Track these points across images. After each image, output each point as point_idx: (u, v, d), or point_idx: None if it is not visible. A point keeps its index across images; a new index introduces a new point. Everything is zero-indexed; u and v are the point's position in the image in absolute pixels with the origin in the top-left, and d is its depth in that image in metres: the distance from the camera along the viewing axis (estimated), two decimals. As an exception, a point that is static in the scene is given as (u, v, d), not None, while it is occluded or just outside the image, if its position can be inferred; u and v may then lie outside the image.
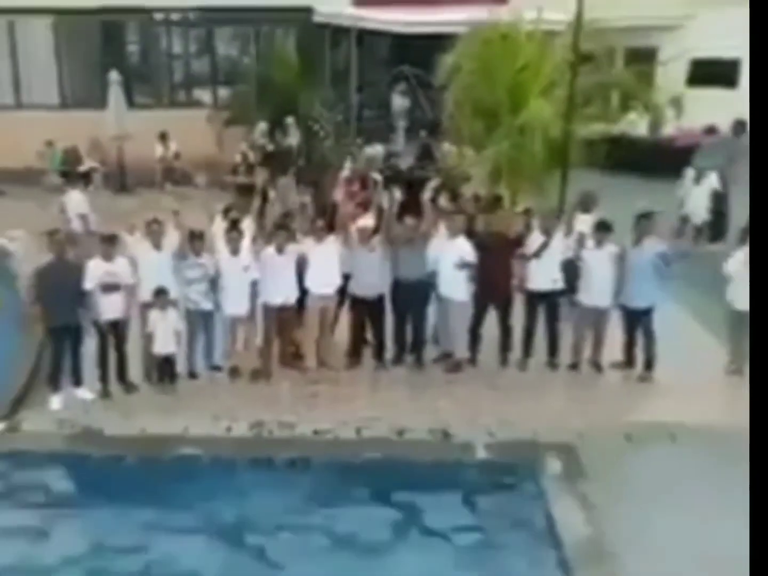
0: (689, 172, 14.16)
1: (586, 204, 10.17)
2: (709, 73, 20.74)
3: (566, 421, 8.46)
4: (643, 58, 20.77)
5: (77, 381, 9.01)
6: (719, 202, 13.55)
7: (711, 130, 18.25)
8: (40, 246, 10.52)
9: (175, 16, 19.23)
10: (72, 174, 14.91)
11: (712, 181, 13.70)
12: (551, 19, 12.80)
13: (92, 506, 7.74)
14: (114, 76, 17.47)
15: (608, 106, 14.12)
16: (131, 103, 18.17)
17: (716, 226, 13.38)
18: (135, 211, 12.98)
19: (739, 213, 12.44)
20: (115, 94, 17.49)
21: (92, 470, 8.10)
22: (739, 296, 9.26)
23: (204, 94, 19.91)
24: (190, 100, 19.88)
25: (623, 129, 18.52)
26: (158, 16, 19.15)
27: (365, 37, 18.16)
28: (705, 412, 8.70)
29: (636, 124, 18.59)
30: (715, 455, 7.91)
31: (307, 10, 18.57)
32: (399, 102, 17.46)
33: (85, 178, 16.53)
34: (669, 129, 18.82)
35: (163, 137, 17.44)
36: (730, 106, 19.85)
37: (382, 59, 18.29)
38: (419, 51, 16.28)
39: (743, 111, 19.62)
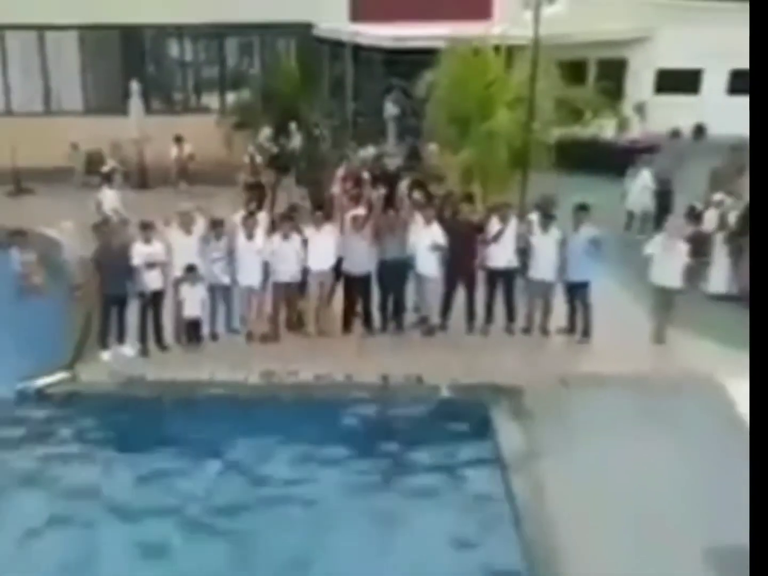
0: (630, 171, 16.32)
1: (545, 206, 12.27)
2: (675, 81, 23.02)
3: (517, 372, 10.73)
4: (614, 68, 23.29)
5: (121, 340, 11.30)
6: (662, 197, 15.74)
7: (675, 134, 20.49)
8: (83, 235, 12.96)
9: (187, 31, 21.54)
10: (104, 174, 17.06)
11: (645, 178, 15.83)
12: (516, 35, 15.02)
13: (138, 435, 10.01)
14: (134, 86, 19.80)
15: (572, 115, 16.42)
16: (148, 109, 20.49)
17: (660, 218, 15.57)
18: (154, 205, 15.22)
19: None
20: (136, 102, 19.83)
21: (137, 408, 10.39)
22: (658, 274, 11.56)
23: (213, 101, 22.21)
24: (200, 106, 22.18)
25: (594, 133, 20.94)
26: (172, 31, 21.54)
27: (360, 50, 20.46)
28: (630, 366, 10.95)
29: (604, 129, 21.00)
30: (634, 397, 10.19)
31: (308, 26, 20.89)
32: (390, 109, 19.78)
33: (107, 178, 18.97)
34: (634, 132, 21.21)
35: (178, 140, 19.71)
36: (693, 111, 22.26)
37: (375, 71, 20.55)
38: (407, 64, 18.59)
39: (705, 116, 22.09)
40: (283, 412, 10.10)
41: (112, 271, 11.06)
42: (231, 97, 21.80)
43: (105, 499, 8.78)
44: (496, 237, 11.53)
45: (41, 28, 20.48)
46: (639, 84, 23.15)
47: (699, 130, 21.89)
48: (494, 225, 11.62)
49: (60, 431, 10.08)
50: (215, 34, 21.57)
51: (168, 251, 11.25)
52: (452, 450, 9.41)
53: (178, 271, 11.26)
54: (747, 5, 24.03)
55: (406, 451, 9.38)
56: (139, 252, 11.00)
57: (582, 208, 11.51)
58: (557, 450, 9.03)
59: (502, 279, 11.73)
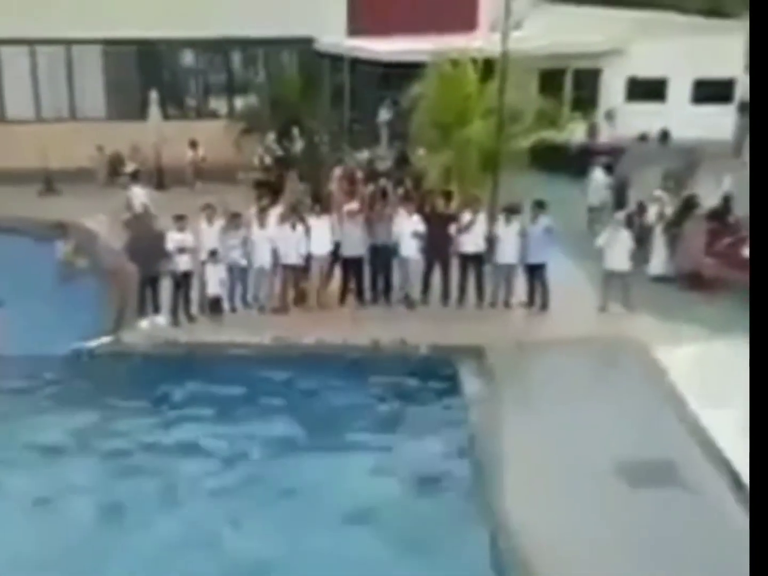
0: (590, 171, 18.82)
1: (511, 210, 14.68)
2: (644, 90, 25.54)
3: (481, 337, 13.23)
4: (589, 77, 25.83)
5: (156, 311, 13.83)
6: (618, 193, 18.22)
7: (643, 138, 23.05)
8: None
9: (199, 44, 24.07)
10: (133, 174, 19.58)
11: (599, 176, 18.30)
12: (491, 49, 17.47)
13: (170, 385, 12.47)
14: (153, 95, 22.38)
15: (548, 120, 18.95)
16: (164, 115, 23.01)
17: (616, 211, 18.03)
18: (173, 203, 17.68)
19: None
20: (154, 109, 22.39)
21: (169, 364, 12.92)
22: (609, 260, 14.07)
23: (222, 107, 24.73)
24: (211, 112, 24.68)
25: (566, 137, 23.45)
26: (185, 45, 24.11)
27: (357, 63, 23.00)
28: (578, 332, 13.43)
29: (575, 133, 23.51)
30: (578, 355, 12.70)
31: (309, 41, 23.43)
32: (382, 117, 22.29)
33: (135, 177, 21.54)
34: (604, 137, 23.73)
35: (193, 144, 22.22)
36: (660, 117, 24.75)
37: (370, 82, 23.08)
38: (399, 75, 21.14)
39: (670, 122, 24.55)
40: (290, 367, 12.61)
41: (147, 255, 13.61)
42: (238, 104, 24.32)
43: (145, 434, 11.28)
44: (467, 227, 14.07)
45: (68, 43, 22.99)
46: (611, 92, 25.67)
47: (664, 135, 24.33)
48: (465, 217, 14.16)
49: (106, 383, 12.60)
50: (224, 47, 24.10)
51: (196, 239, 13.79)
52: (427, 393, 11.96)
53: (203, 255, 13.79)
54: (710, 20, 26.78)
55: (392, 394, 11.92)
56: (173, 239, 13.55)
57: (538, 204, 14.06)
58: (508, 393, 11.55)
59: (472, 262, 14.27)
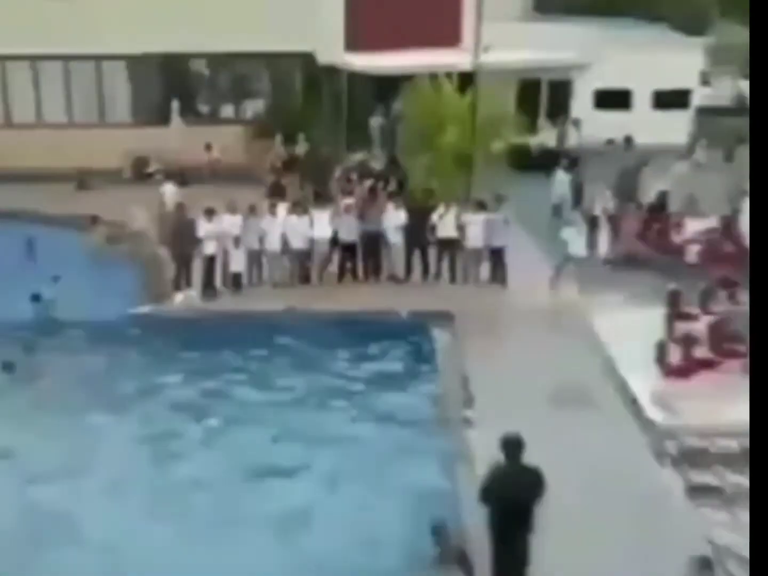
0: (554, 172, 22.25)
1: (478, 204, 18.16)
2: (610, 99, 28.99)
3: (452, 305, 16.68)
4: (562, 88, 29.30)
5: (189, 285, 17.30)
6: (577, 191, 21.65)
7: (610, 142, 26.52)
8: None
9: (213, 58, 27.55)
10: (165, 173, 23.04)
11: (560, 176, 21.72)
12: (471, 63, 20.95)
13: (201, 342, 15.92)
14: (175, 104, 25.92)
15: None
16: (184, 122, 26.51)
17: (575, 206, 21.46)
18: (193, 197, 21.03)
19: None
20: (176, 116, 25.91)
21: (199, 326, 16.38)
22: (572, 248, 17.48)
23: (235, 115, 28.20)
24: (224, 118, 28.15)
25: (540, 141, 27.00)
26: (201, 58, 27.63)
27: (353, 75, 26.44)
28: (538, 300, 16.88)
29: (547, 138, 27.06)
30: (530, 319, 16.15)
31: (311, 55, 26.86)
32: (375, 123, 25.77)
33: (151, 177, 25.10)
34: (572, 141, 27.18)
35: (209, 147, 25.73)
36: (625, 124, 28.18)
37: (364, 92, 26.55)
38: (389, 87, 24.71)
39: (634, 128, 27.90)
40: (297, 329, 16.07)
41: (182, 241, 17.10)
42: (248, 111, 27.81)
43: (182, 374, 14.80)
44: (441, 217, 17.55)
45: (98, 58, 26.47)
46: (581, 101, 29.16)
47: (627, 140, 27.79)
48: (441, 209, 17.64)
49: (152, 340, 16.09)
50: (235, 60, 27.57)
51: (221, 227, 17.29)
52: (407, 348, 15.47)
53: (227, 240, 17.27)
54: (668, 37, 30.13)
55: (381, 347, 15.45)
56: (204, 227, 17.03)
57: (498, 199, 17.55)
58: (468, 345, 15.03)
59: (447, 246, 17.74)
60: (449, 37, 27.96)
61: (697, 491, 11.63)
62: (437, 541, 9.38)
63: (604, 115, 28.54)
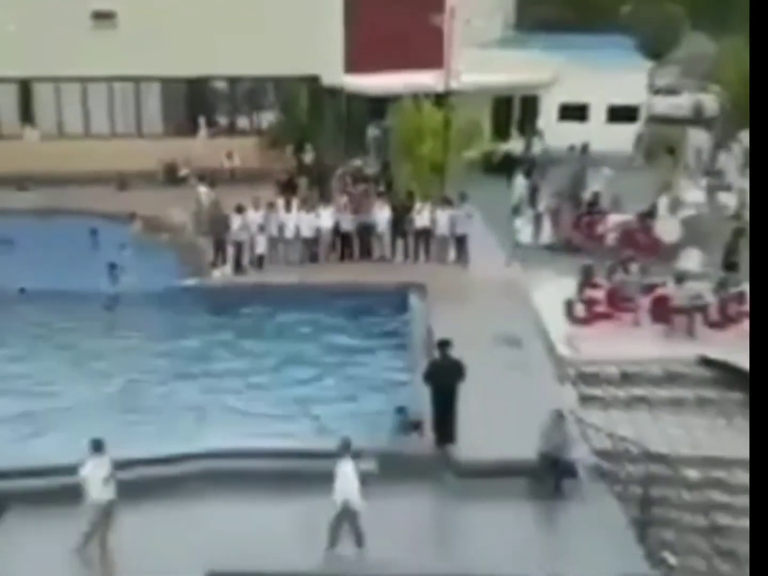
0: (514, 175, 27.89)
1: (446, 203, 23.83)
2: (571, 112, 34.72)
3: (425, 279, 22.31)
4: (531, 103, 35.00)
5: (223, 264, 22.98)
6: (532, 191, 27.25)
7: (572, 149, 32.16)
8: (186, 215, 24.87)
9: (231, 80, 33.28)
10: (200, 176, 28.67)
11: (518, 179, 27.31)
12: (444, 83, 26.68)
13: (232, 305, 21.60)
14: (201, 118, 31.66)
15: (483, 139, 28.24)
16: (208, 133, 32.25)
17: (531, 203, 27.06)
18: (220, 196, 26.64)
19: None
20: (202, 129, 31.67)
21: (231, 294, 22.06)
22: (521, 237, 23.16)
23: (250, 127, 33.91)
24: (241, 130, 33.86)
25: (509, 148, 32.72)
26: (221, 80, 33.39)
27: (352, 94, 32.14)
28: (492, 275, 22.49)
29: (515, 146, 32.78)
30: (484, 288, 21.79)
31: (316, 77, 32.54)
32: (370, 134, 31.47)
33: (182, 180, 30.83)
34: (536, 149, 32.87)
35: (229, 155, 31.43)
36: (584, 133, 33.85)
37: (361, 108, 32.28)
38: (382, 103, 30.45)
39: (591, 137, 33.45)
40: (309, 295, 21.74)
41: (218, 230, 22.80)
42: (262, 124, 33.54)
43: (221, 325, 20.51)
44: (419, 212, 23.21)
45: (136, 80, 32.22)
46: (547, 114, 34.89)
47: (584, 148, 33.44)
48: (418, 206, 23.30)
49: (196, 306, 21.76)
50: (251, 81, 33.29)
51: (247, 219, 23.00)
52: (390, 308, 21.16)
53: (254, 229, 22.94)
54: (623, 59, 35.64)
55: (369, 309, 21.11)
56: (235, 220, 22.71)
57: (462, 197, 23.20)
58: (435, 306, 20.65)
59: (422, 235, 23.39)
60: (433, 61, 33.66)
61: (586, 400, 17.24)
62: (399, 415, 15.05)
63: (566, 126, 34.36)
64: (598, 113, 34.83)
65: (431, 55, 33.32)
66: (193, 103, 33.41)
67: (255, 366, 18.43)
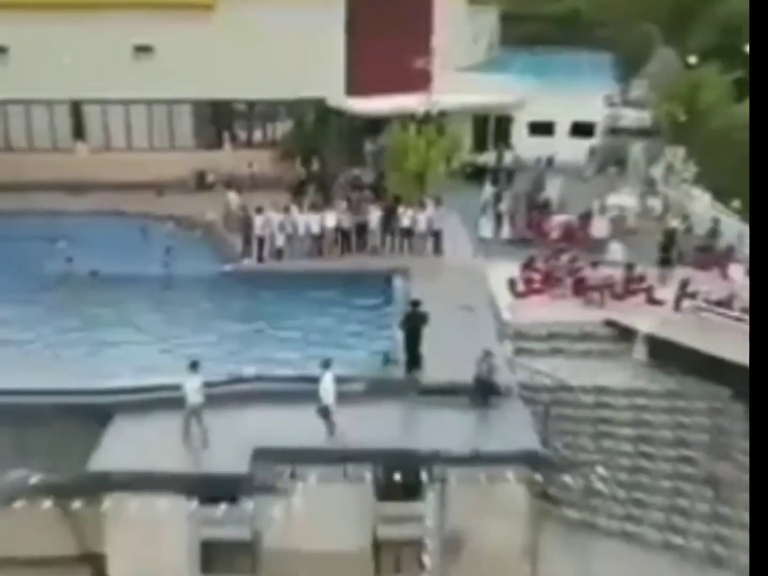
0: (484, 183, 35.15)
1: (423, 206, 31.08)
2: (539, 129, 41.97)
3: (408, 264, 29.54)
4: (504, 121, 42.28)
5: (250, 256, 30.27)
6: (497, 196, 34.43)
7: (539, 161, 39.48)
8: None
9: (249, 102, 40.64)
10: (228, 184, 35.99)
11: (487, 186, 34.52)
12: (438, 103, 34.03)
13: (257, 285, 28.91)
14: (226, 134, 39.05)
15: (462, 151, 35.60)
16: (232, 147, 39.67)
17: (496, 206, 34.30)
18: (244, 200, 33.89)
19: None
20: (226, 143, 39.05)
21: (255, 278, 29.38)
22: (483, 232, 30.46)
23: (266, 141, 41.25)
24: (257, 143, 41.18)
25: (484, 160, 40.05)
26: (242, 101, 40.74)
27: (352, 113, 39.42)
28: (459, 262, 29.71)
29: (489, 158, 40.09)
30: (453, 272, 29.01)
31: (323, 99, 39.82)
32: (368, 148, 38.76)
33: (210, 187, 38.19)
34: (507, 161, 40.11)
35: (250, 165, 38.71)
36: (550, 147, 41.11)
37: (360, 125, 39.57)
38: (377, 122, 37.75)
39: (556, 150, 40.64)
40: (317, 278, 29.00)
41: (246, 228, 30.12)
42: (276, 140, 40.88)
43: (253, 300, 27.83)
44: (403, 213, 30.48)
45: (170, 103, 39.61)
46: (518, 130, 42.15)
47: (550, 159, 40.68)
48: (402, 208, 30.58)
49: (233, 285, 29.05)
50: (266, 103, 40.60)
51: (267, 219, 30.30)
52: (378, 287, 28.41)
53: (274, 228, 30.22)
54: (578, 84, 42.79)
55: (362, 288, 28.39)
56: (258, 220, 30.02)
57: (438, 201, 30.45)
58: (415, 285, 27.84)
59: (406, 231, 30.64)
60: (421, 86, 40.96)
61: (519, 351, 24.43)
62: (384, 355, 22.33)
63: (535, 140, 41.62)
64: (562, 129, 42.08)
65: (419, 80, 40.87)
66: (219, 121, 40.82)
67: (280, 325, 25.72)
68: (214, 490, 18.49)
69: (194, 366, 19.09)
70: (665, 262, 28.30)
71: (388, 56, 38.42)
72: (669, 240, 29.06)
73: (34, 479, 18.79)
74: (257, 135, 41.55)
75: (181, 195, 37.69)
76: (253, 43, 38.13)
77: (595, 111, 42.15)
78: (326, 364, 19.54)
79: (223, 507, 18.35)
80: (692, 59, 42.78)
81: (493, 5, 54.56)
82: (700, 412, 22.28)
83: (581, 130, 41.90)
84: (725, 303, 24.55)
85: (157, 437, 19.59)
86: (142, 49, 38.73)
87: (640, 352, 23.71)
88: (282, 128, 41.53)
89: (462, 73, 42.96)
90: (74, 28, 37.64)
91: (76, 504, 18.42)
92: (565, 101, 41.15)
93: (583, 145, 41.30)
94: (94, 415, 20.34)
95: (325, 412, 19.33)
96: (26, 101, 38.73)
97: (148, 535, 18.50)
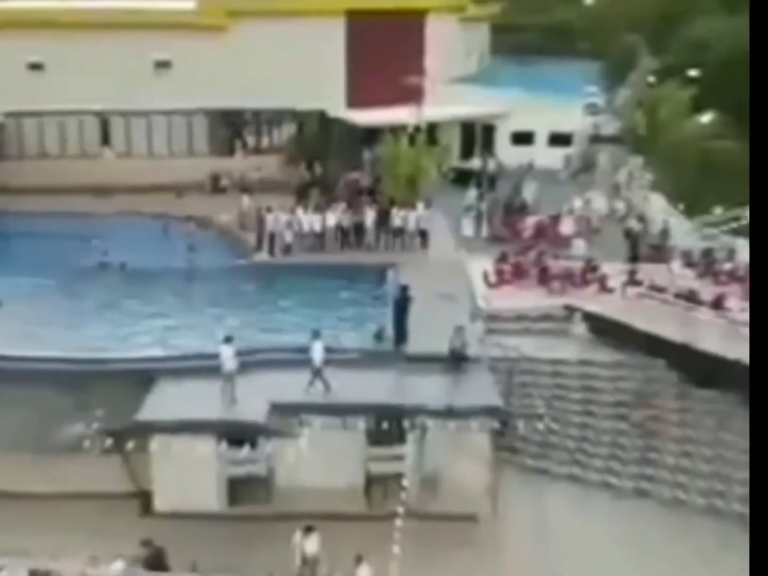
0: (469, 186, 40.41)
1: (412, 207, 36.33)
2: (521, 138, 47.23)
3: (398, 259, 34.75)
4: (489, 130, 47.56)
5: (262, 250, 35.55)
6: (480, 197, 39.63)
7: (521, 167, 44.77)
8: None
9: (260, 111, 45.91)
10: (243, 188, 41.28)
11: (470, 191, 39.77)
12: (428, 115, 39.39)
13: (270, 275, 34.18)
14: (238, 143, 44.33)
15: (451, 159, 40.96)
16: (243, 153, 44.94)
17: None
18: (255, 202, 39.10)
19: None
20: (238, 149, 44.35)
21: (271, 269, 34.68)
22: (464, 231, 35.74)
23: (272, 148, 46.55)
24: (265, 149, 46.44)
25: (471, 165, 45.35)
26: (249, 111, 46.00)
27: (351, 123, 44.67)
28: (443, 257, 34.93)
29: (474, 164, 45.37)
30: (438, 264, 34.25)
31: (325, 111, 45.08)
32: (366, 156, 44.01)
33: (223, 189, 43.50)
34: (491, 166, 45.34)
35: (259, 169, 43.96)
36: (530, 154, 46.38)
37: (358, 135, 44.83)
38: (374, 132, 43.01)
39: (535, 156, 45.88)
40: (320, 270, 34.24)
41: (260, 226, 35.41)
42: (283, 147, 46.18)
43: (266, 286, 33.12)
44: (396, 214, 35.73)
45: (188, 114, 44.91)
46: (502, 139, 47.42)
47: (529, 166, 45.89)
48: (395, 210, 35.83)
49: (248, 276, 34.33)
50: (273, 112, 45.86)
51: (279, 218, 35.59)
52: (373, 277, 33.64)
53: (282, 225, 35.49)
54: (558, 97, 48.07)
55: (360, 276, 33.66)
56: (268, 218, 35.30)
57: (427, 203, 35.69)
58: (403, 274, 33.02)
59: (398, 230, 35.89)
60: (414, 99, 46.20)
61: (490, 331, 29.63)
62: (377, 332, 27.60)
63: (517, 148, 46.89)
64: (541, 138, 47.35)
65: (412, 94, 46.11)
66: (231, 130, 46.14)
67: (288, 308, 30.97)
68: (239, 435, 23.76)
69: (228, 339, 24.32)
70: (633, 259, 33.56)
71: (383, 73, 43.81)
72: (633, 238, 34.41)
73: (94, 428, 24.11)
74: (265, 142, 46.82)
75: (197, 197, 42.97)
76: (262, 60, 43.35)
77: (572, 121, 47.33)
78: (316, 335, 24.81)
79: (245, 449, 23.66)
80: (650, 78, 47.90)
81: (485, 20, 59.56)
82: (636, 379, 27.52)
83: (559, 139, 47.11)
84: (664, 290, 29.74)
85: (191, 395, 24.83)
86: (162, 65, 44.07)
87: (579, 328, 29.02)
88: (288, 136, 46.78)
89: (453, 85, 48.07)
90: (101, 46, 42.91)
91: (129, 446, 23.66)
92: (545, 113, 46.38)
93: (560, 153, 46.55)
94: (139, 379, 25.56)
95: (317, 373, 24.54)
96: (59, 113, 44.01)
97: (186, 472, 23.71)
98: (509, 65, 59.37)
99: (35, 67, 43.31)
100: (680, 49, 52.53)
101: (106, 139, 45.52)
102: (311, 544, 20.72)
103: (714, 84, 44.50)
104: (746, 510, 23.13)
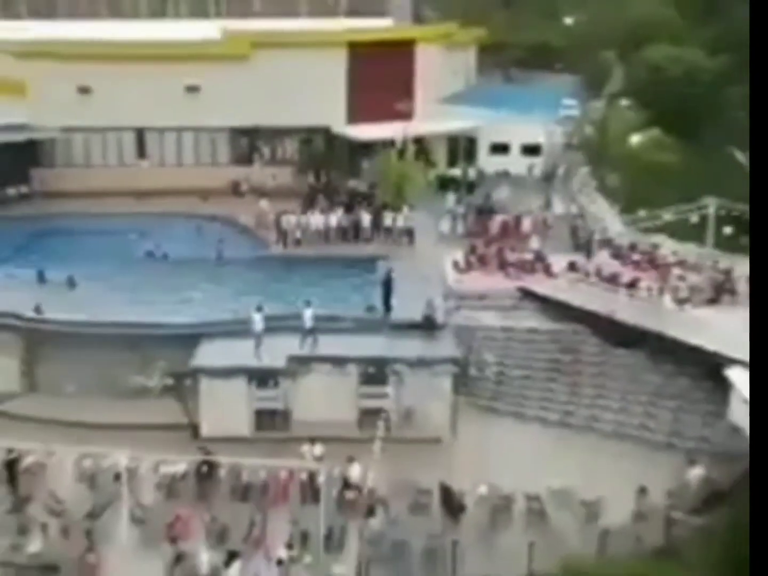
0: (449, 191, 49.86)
1: (399, 209, 45.71)
2: (498, 149, 56.65)
3: (388, 251, 44.09)
4: (471, 142, 57.05)
5: (278, 243, 45.06)
6: (459, 201, 48.94)
7: (498, 174, 54.28)
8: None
9: (273, 128, 55.38)
10: (261, 193, 50.77)
11: (450, 195, 49.16)
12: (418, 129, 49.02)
13: (285, 266, 43.61)
14: (255, 154, 53.91)
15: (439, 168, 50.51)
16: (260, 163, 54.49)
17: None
18: (273, 205, 48.49)
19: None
20: (256, 159, 53.88)
21: (285, 260, 44.14)
22: (443, 229, 45.24)
23: (285, 159, 56.02)
24: (281, 161, 55.89)
25: (454, 173, 54.89)
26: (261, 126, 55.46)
27: (351, 138, 54.08)
28: (425, 251, 44.29)
29: (455, 172, 54.90)
30: (415, 257, 43.61)
31: (328, 127, 54.52)
32: (364, 166, 53.41)
33: (242, 194, 53.01)
34: (471, 174, 54.72)
35: (274, 177, 53.40)
36: (506, 164, 55.74)
37: (358, 147, 54.24)
38: (370, 145, 52.44)
39: (511, 166, 55.23)
40: (324, 260, 43.64)
41: (278, 224, 44.95)
42: (294, 158, 55.70)
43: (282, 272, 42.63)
44: (387, 215, 45.14)
45: (212, 131, 54.43)
46: (482, 150, 56.83)
47: (505, 173, 55.15)
48: (387, 212, 45.26)
49: (266, 264, 43.88)
50: (284, 128, 55.29)
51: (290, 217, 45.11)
52: (367, 266, 42.99)
53: (293, 224, 44.97)
54: (531, 115, 57.60)
55: (356, 266, 43.07)
56: (282, 219, 44.79)
57: (411, 206, 45.11)
58: (393, 265, 42.40)
59: (388, 228, 45.31)
60: (405, 116, 55.63)
61: (458, 306, 38.94)
62: (369, 305, 37.06)
63: (495, 158, 56.32)
64: (515, 149, 56.78)
65: (403, 113, 55.65)
66: (249, 142, 55.65)
67: (298, 289, 40.29)
68: (264, 378, 33.25)
69: (259, 308, 33.89)
70: (579, 248, 43.00)
71: (379, 94, 53.31)
72: (576, 234, 43.84)
73: (157, 375, 33.77)
74: (279, 154, 56.29)
75: (220, 200, 52.34)
76: (278, 84, 52.83)
77: (542, 134, 56.69)
78: (308, 303, 34.38)
79: (269, 389, 33.16)
80: (598, 104, 57.32)
81: (471, 44, 68.76)
82: (567, 341, 36.91)
83: (530, 150, 56.53)
84: (595, 275, 39.10)
85: (228, 350, 34.33)
86: (192, 89, 53.48)
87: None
88: (298, 149, 56.27)
89: (441, 105, 57.29)
90: (140, 73, 52.37)
91: (184, 385, 33.19)
92: (519, 127, 55.80)
93: (531, 161, 56.00)
94: (187, 339, 34.96)
95: (308, 332, 33.96)
96: (102, 129, 53.54)
97: (224, 406, 33.16)
98: (494, 83, 68.86)
99: (84, 90, 52.84)
100: (636, 70, 61.67)
101: (142, 151, 54.98)
102: (317, 449, 30.16)
103: (660, 103, 53.71)
104: (643, 434, 32.67)
